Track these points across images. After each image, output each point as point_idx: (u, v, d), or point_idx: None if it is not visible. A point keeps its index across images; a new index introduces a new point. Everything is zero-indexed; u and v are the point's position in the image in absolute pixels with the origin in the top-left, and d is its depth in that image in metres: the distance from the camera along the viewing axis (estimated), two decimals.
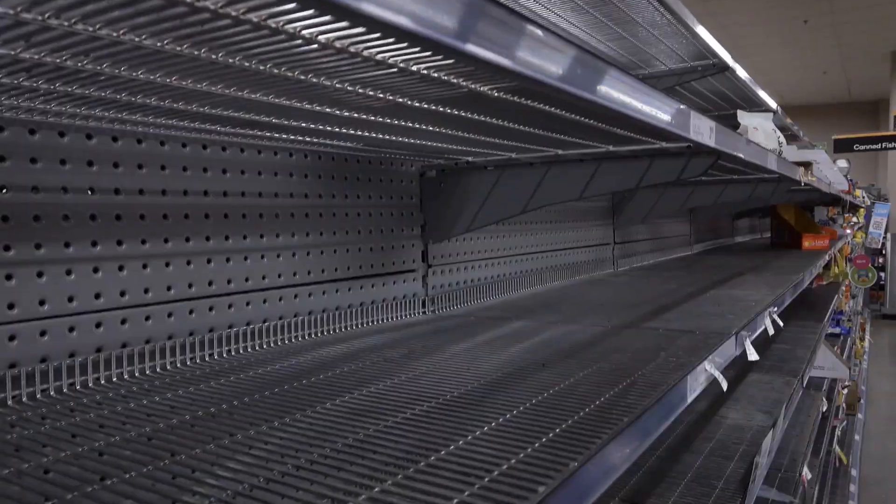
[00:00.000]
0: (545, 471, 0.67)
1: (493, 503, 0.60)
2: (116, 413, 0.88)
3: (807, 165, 2.86)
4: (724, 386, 1.17)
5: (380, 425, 0.83)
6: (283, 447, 0.75)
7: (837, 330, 5.03)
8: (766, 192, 2.56)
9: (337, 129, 1.10)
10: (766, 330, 1.74)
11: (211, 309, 1.22)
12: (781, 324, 1.82)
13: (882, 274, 11.97)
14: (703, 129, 1.09)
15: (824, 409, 3.48)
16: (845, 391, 5.62)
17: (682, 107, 0.97)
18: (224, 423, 0.84)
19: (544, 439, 0.77)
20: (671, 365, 1.12)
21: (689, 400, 1.05)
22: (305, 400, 0.94)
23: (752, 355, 1.44)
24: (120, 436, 0.79)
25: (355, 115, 0.97)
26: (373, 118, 1.00)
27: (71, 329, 1.01)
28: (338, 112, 0.94)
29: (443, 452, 0.73)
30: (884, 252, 11.50)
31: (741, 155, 1.39)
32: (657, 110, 0.88)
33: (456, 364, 1.16)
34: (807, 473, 2.67)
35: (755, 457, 1.58)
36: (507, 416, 0.86)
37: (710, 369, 1.15)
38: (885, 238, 11.35)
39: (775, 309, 1.81)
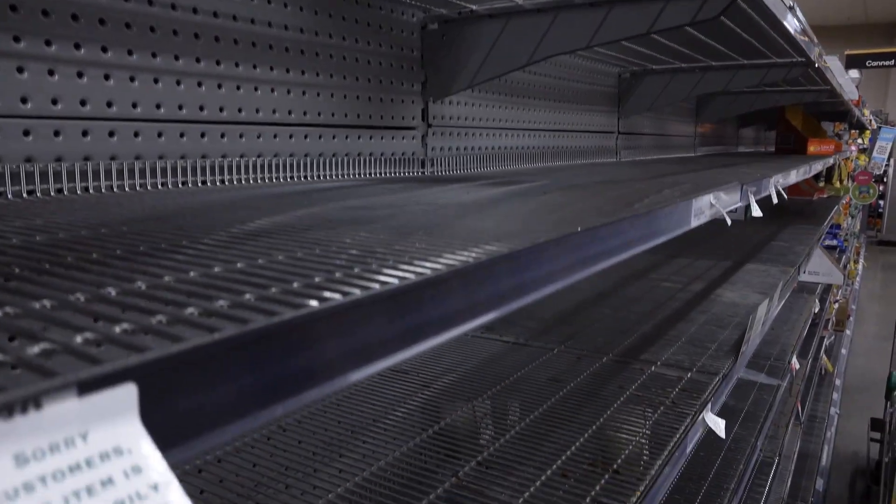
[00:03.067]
0: (549, 235, 0.65)
1: (501, 246, 0.58)
2: (132, 200, 0.86)
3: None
4: (729, 222, 1.15)
5: (376, 213, 0.81)
6: (280, 223, 0.73)
7: (834, 242, 5.05)
8: (777, 77, 2.48)
9: None
10: (769, 199, 1.71)
11: (203, 135, 1.18)
12: (786, 196, 1.79)
13: (881, 202, 11.93)
14: None
15: (816, 310, 3.52)
16: (836, 305, 5.70)
17: None
18: (227, 215, 0.82)
19: (549, 222, 0.74)
20: (676, 195, 1.10)
21: (693, 224, 1.03)
22: (302, 204, 0.92)
23: (756, 211, 1.42)
24: (128, 208, 0.77)
25: None
26: None
27: (84, 133, 0.98)
28: None
29: (445, 230, 0.71)
30: (885, 179, 11.40)
31: None
32: None
33: (455, 192, 1.14)
34: (795, 363, 2.72)
35: (750, 318, 1.59)
36: (510, 213, 0.84)
37: (715, 203, 1.12)
38: (888, 164, 11.22)
39: (780, 179, 1.78)
